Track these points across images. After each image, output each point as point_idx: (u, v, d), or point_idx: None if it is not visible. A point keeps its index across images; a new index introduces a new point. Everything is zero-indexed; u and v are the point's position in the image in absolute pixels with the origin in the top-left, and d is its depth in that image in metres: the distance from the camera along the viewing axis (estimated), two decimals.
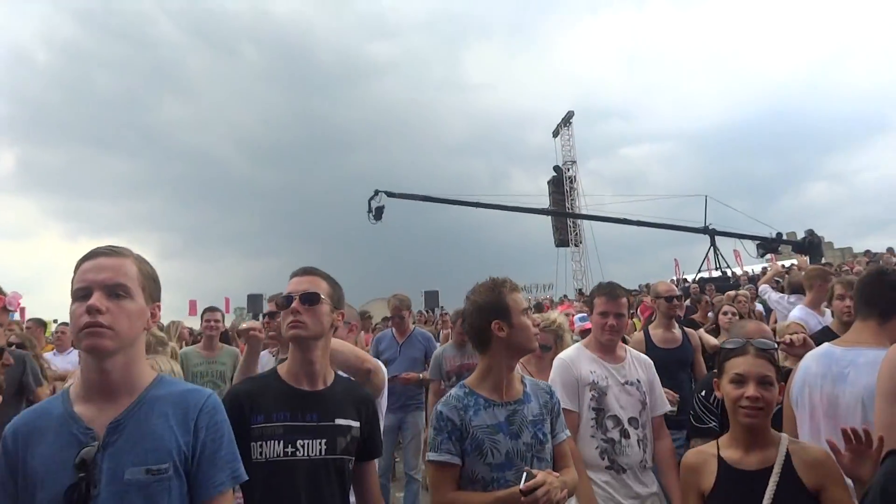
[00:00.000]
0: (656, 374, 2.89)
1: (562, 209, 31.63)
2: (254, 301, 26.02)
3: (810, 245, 22.41)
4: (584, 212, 30.21)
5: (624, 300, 2.77)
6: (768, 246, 23.14)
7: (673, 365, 3.76)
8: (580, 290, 28.01)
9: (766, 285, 6.28)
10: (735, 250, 23.14)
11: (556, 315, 3.61)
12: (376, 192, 25.33)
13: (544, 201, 31.59)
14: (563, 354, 2.85)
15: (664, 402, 2.86)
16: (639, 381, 2.78)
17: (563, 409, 2.41)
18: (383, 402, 2.41)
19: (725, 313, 4.94)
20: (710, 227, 23.23)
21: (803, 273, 5.45)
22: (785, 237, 24.71)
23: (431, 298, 26.80)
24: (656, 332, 4.01)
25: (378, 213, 25.29)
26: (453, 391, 1.95)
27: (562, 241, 31.88)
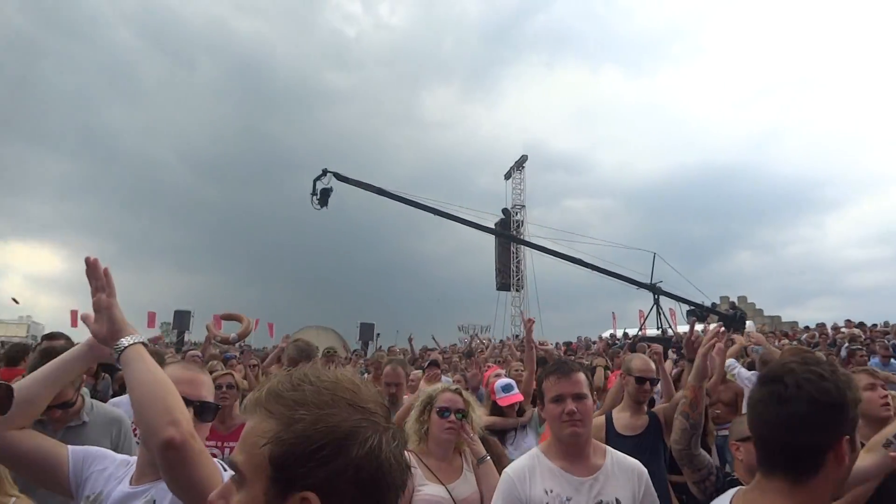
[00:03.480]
0: (651, 486, 2.15)
1: (507, 253, 31.71)
2: (180, 317, 24.36)
3: (740, 319, 22.19)
4: (530, 260, 29.46)
5: (581, 376, 2.14)
6: (698, 314, 23.12)
7: (646, 456, 3.17)
8: (518, 336, 27.93)
9: (734, 360, 5.62)
10: (671, 309, 23.30)
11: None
12: (324, 172, 21.12)
13: (489, 242, 31.43)
14: (510, 468, 2.18)
15: None
16: (618, 500, 2.02)
17: None
18: None
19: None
20: (657, 285, 22.84)
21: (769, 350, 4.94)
22: (719, 302, 25.44)
23: (367, 331, 25.58)
24: (621, 416, 3.35)
25: (324, 198, 21.17)
26: None
27: (503, 285, 31.67)
